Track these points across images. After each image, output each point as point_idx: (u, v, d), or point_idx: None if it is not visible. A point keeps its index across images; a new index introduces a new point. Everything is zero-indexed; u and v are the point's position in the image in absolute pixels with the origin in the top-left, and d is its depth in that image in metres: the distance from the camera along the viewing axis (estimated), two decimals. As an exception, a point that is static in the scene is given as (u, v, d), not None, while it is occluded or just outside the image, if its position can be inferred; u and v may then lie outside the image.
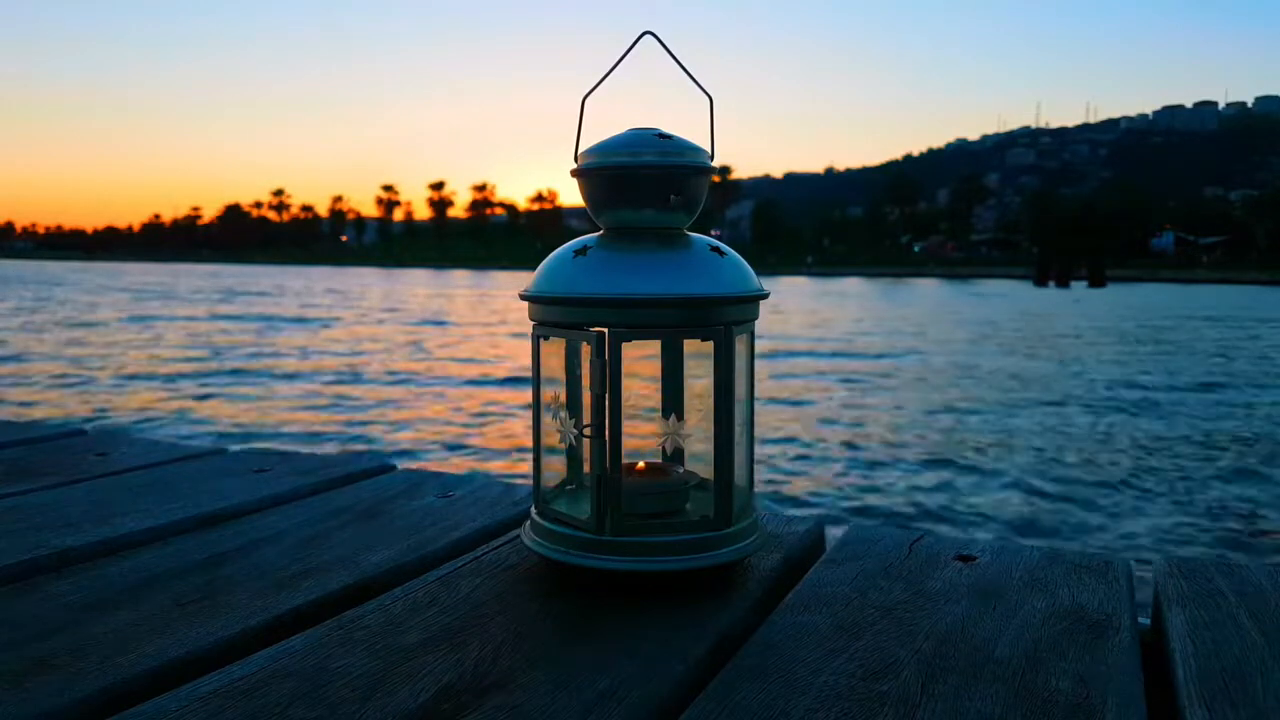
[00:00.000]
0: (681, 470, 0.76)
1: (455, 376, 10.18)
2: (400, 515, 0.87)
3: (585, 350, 0.67)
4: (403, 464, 1.10)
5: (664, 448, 0.78)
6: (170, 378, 9.78)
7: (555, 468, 0.77)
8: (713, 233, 0.79)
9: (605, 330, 0.66)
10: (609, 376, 0.65)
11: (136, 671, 0.55)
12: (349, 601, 0.67)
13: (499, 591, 0.68)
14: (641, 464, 0.75)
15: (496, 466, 5.97)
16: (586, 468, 0.71)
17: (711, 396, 0.68)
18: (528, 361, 0.73)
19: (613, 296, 0.66)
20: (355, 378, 10.05)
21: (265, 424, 7.26)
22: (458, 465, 5.87)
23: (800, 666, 0.56)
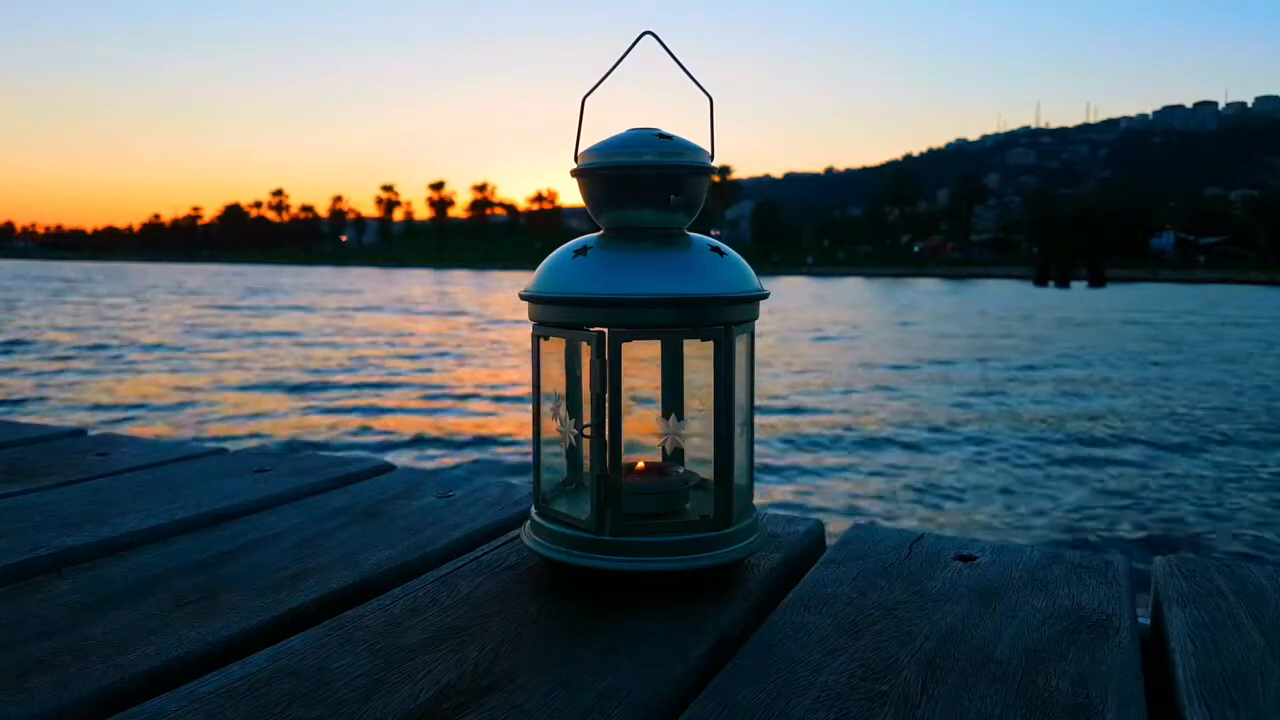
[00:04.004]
0: (681, 470, 0.76)
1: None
2: (400, 515, 0.87)
3: (585, 350, 0.67)
4: (402, 463, 1.10)
5: (664, 448, 0.78)
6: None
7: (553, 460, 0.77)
8: (713, 233, 0.79)
9: (605, 330, 0.65)
10: (609, 376, 0.65)
11: (136, 671, 0.55)
12: (349, 601, 0.67)
13: (499, 591, 0.68)
14: (641, 464, 0.75)
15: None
16: (586, 468, 0.71)
17: (711, 396, 0.68)
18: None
19: (612, 296, 0.66)
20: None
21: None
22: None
23: (800, 666, 0.56)
